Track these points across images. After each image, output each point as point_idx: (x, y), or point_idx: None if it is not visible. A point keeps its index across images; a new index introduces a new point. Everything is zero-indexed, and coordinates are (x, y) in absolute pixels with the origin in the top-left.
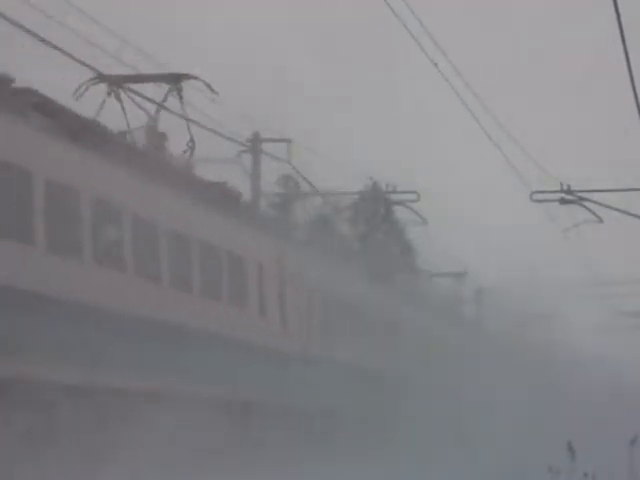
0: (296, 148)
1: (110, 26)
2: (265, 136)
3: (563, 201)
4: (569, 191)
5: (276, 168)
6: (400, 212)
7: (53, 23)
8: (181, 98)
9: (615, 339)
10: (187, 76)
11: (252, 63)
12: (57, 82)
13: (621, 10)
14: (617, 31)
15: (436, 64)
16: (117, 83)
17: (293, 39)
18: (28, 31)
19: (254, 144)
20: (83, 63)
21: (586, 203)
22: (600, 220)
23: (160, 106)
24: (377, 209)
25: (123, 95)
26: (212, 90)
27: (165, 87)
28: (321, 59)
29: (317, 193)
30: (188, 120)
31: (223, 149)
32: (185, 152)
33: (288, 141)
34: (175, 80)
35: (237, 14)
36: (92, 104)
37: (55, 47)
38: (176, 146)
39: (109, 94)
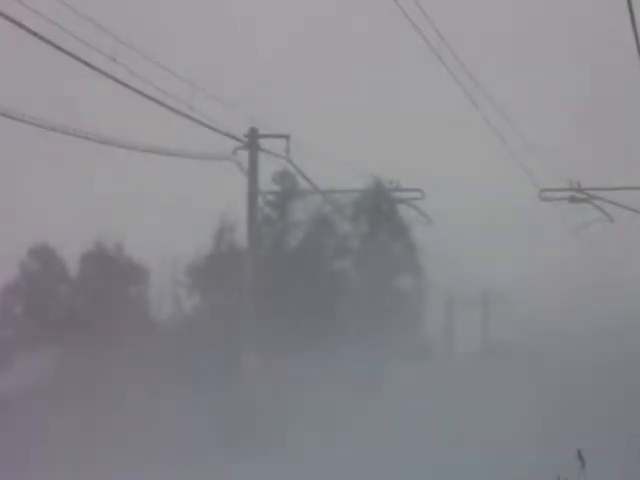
0: (294, 145)
1: (105, 25)
2: (262, 132)
3: (573, 199)
4: (579, 189)
5: (274, 165)
6: (403, 211)
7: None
8: None
9: (626, 341)
10: None
11: (250, 60)
12: None
13: None
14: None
15: (441, 57)
16: None
17: (292, 34)
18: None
19: (251, 140)
20: (80, 59)
21: (596, 202)
22: (611, 219)
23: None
24: (380, 207)
25: None
26: None
27: None
28: (320, 54)
29: (316, 191)
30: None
31: (219, 145)
32: None
33: (286, 137)
34: None
35: (235, 11)
36: None
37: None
38: None
39: None
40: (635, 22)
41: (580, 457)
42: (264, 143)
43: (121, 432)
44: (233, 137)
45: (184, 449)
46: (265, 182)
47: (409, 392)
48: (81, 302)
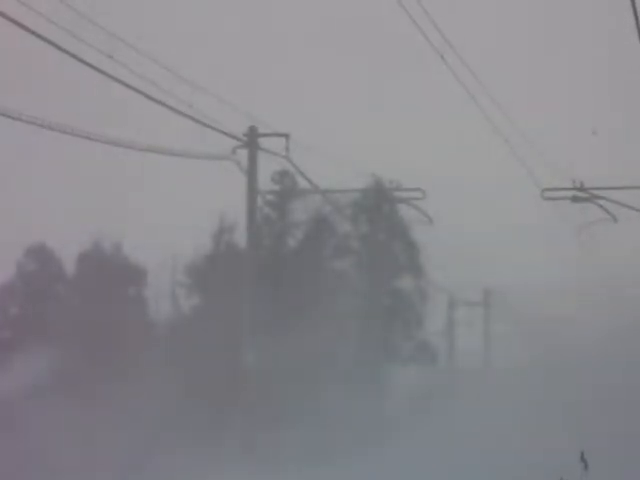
0: (294, 144)
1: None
2: (262, 131)
3: (575, 199)
4: (582, 189)
5: (273, 165)
6: (404, 210)
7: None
8: None
9: (629, 342)
10: None
11: (249, 59)
12: None
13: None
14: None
15: (443, 56)
16: None
17: (291, 31)
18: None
19: (250, 139)
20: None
21: (600, 201)
22: (614, 219)
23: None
24: (380, 207)
25: None
26: None
27: None
28: (320, 51)
29: (316, 190)
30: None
31: (218, 145)
32: None
33: (286, 136)
34: None
35: (233, 8)
36: None
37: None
38: None
39: None
40: (638, 20)
41: (583, 459)
42: (263, 142)
43: (117, 432)
44: (232, 136)
45: (181, 448)
46: (264, 181)
47: (408, 392)
48: (80, 302)
